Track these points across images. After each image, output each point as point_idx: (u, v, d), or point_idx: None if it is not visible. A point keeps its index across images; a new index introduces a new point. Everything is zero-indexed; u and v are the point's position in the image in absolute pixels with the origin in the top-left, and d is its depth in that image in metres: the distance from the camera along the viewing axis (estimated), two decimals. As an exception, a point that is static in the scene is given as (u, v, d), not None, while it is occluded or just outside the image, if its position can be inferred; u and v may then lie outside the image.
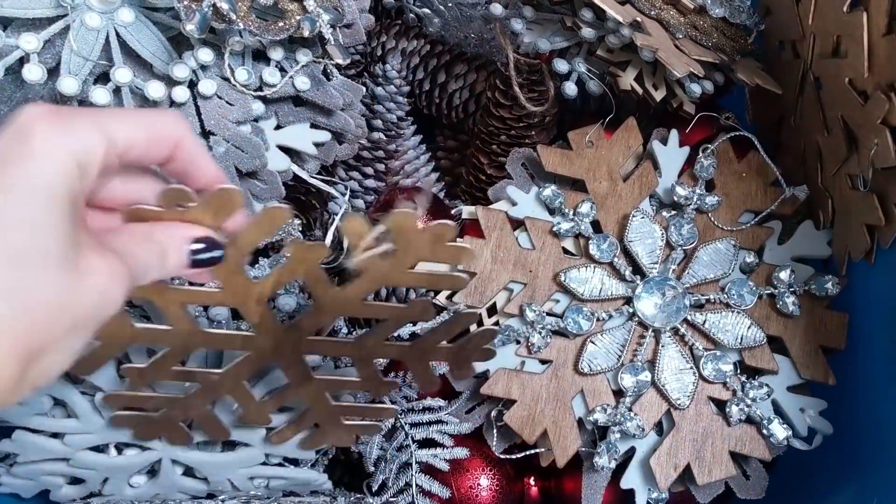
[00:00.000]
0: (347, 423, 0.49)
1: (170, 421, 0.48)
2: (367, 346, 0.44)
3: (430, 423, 0.53)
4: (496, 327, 0.52)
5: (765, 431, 0.50)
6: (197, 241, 0.34)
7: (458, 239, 0.40)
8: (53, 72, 0.48)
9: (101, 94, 0.48)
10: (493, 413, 0.53)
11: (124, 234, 0.32)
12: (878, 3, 0.44)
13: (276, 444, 0.50)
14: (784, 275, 0.52)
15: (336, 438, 0.50)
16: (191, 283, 0.40)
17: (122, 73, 0.48)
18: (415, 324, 0.51)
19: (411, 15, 0.64)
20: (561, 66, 0.58)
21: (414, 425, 0.53)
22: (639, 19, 0.53)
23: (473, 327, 0.47)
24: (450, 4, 0.62)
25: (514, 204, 0.56)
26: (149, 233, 0.33)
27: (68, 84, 0.47)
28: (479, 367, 0.52)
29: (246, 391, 0.47)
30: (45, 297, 0.26)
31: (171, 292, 0.39)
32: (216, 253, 0.35)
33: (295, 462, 0.52)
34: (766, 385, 0.50)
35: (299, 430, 0.49)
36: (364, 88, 0.56)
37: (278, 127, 0.55)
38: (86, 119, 0.29)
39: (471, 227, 0.57)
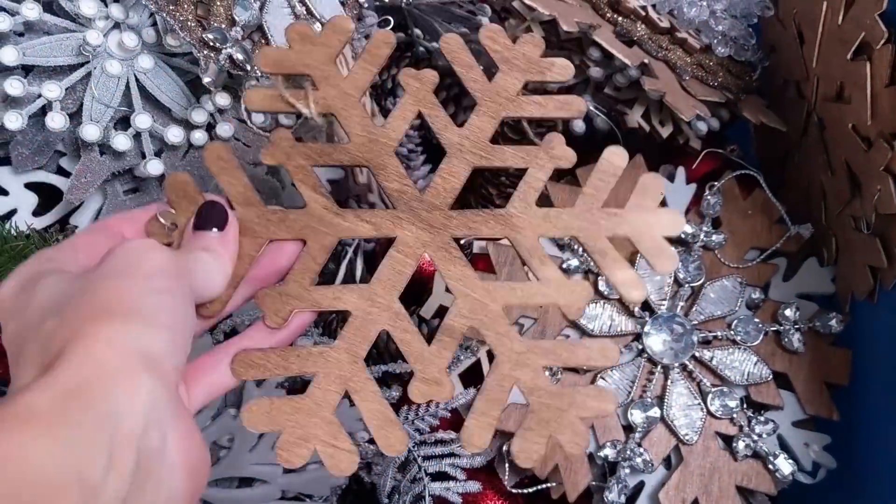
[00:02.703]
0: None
1: None
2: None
3: (442, 457, 0.54)
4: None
5: (770, 466, 0.51)
6: (194, 219, 0.35)
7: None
8: (74, 115, 0.50)
9: (122, 141, 0.49)
10: (505, 447, 0.54)
11: None
12: (881, 54, 0.45)
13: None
14: (789, 312, 0.53)
15: None
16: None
17: (143, 119, 0.49)
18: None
19: (421, 49, 0.65)
20: (569, 103, 0.59)
21: (427, 458, 0.55)
22: (646, 61, 0.54)
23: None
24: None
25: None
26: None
27: (90, 131, 0.48)
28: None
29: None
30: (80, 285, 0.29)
31: (296, 152, 0.37)
32: (210, 205, 0.35)
33: (310, 497, 0.53)
34: (772, 420, 0.52)
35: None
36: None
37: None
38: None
39: (481, 262, 0.58)
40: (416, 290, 0.61)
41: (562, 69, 0.39)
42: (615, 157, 0.38)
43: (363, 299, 0.36)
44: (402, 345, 0.36)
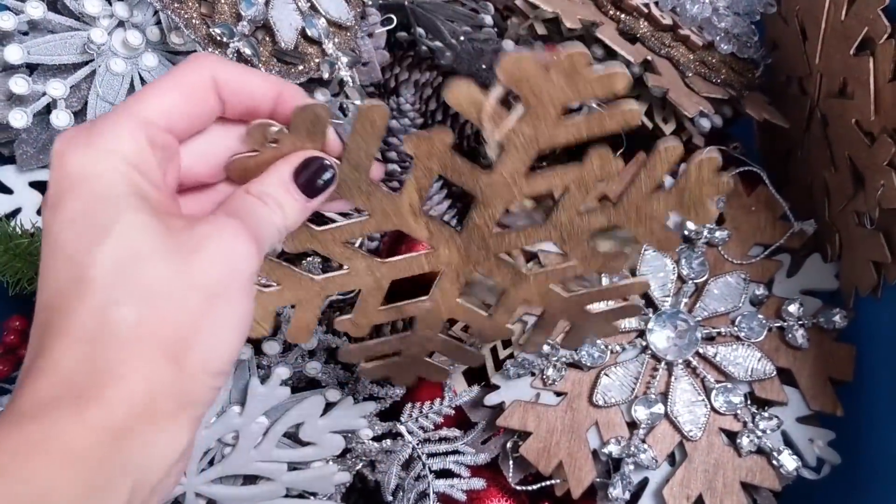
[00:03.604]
0: (597, 310, 0.45)
1: (416, 359, 0.49)
2: (563, 223, 0.38)
3: (446, 454, 0.54)
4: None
5: (775, 462, 0.51)
6: (301, 166, 0.32)
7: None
8: (78, 114, 0.50)
9: (126, 138, 0.49)
10: (509, 444, 0.54)
11: (233, 200, 0.31)
12: (885, 49, 0.45)
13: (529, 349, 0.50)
14: (793, 308, 0.53)
15: (598, 329, 0.47)
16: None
17: (147, 117, 0.49)
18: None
19: (424, 48, 0.65)
20: (572, 100, 0.59)
21: (431, 455, 0.55)
22: (649, 58, 0.54)
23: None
24: (462, 38, 0.63)
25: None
26: (252, 187, 0.31)
27: (95, 129, 0.48)
28: (494, 398, 0.54)
29: (467, 309, 0.44)
30: (166, 288, 0.26)
31: (324, 234, 0.38)
32: (327, 174, 0.33)
33: (314, 494, 0.53)
34: (776, 416, 0.52)
35: (546, 335, 0.47)
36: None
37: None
38: (111, 120, 0.28)
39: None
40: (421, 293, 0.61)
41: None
42: None
43: (367, 269, 0.40)
44: (360, 300, 0.42)
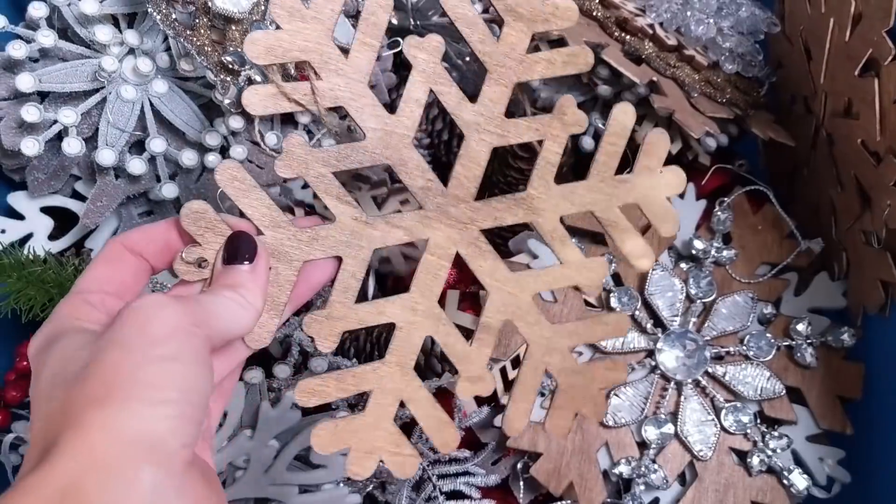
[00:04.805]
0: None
1: (378, 423, 0.38)
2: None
3: (457, 475, 0.54)
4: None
5: (785, 481, 0.51)
6: (225, 252, 0.33)
7: None
8: (89, 140, 0.50)
9: (137, 165, 0.49)
10: (520, 465, 0.54)
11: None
12: (889, 70, 0.45)
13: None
14: (801, 327, 0.53)
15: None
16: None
17: (157, 143, 0.50)
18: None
19: (429, 68, 0.66)
20: (578, 120, 0.59)
21: (441, 477, 0.55)
22: (655, 79, 0.55)
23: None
24: (467, 59, 0.64)
25: (534, 256, 0.57)
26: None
27: (106, 155, 0.48)
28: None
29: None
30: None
31: (314, 159, 0.35)
32: (246, 243, 0.34)
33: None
34: (786, 435, 0.52)
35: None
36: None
37: (305, 186, 0.57)
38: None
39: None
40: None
41: (566, 12, 0.37)
42: (623, 114, 0.37)
43: (406, 309, 0.37)
44: (445, 348, 0.37)
